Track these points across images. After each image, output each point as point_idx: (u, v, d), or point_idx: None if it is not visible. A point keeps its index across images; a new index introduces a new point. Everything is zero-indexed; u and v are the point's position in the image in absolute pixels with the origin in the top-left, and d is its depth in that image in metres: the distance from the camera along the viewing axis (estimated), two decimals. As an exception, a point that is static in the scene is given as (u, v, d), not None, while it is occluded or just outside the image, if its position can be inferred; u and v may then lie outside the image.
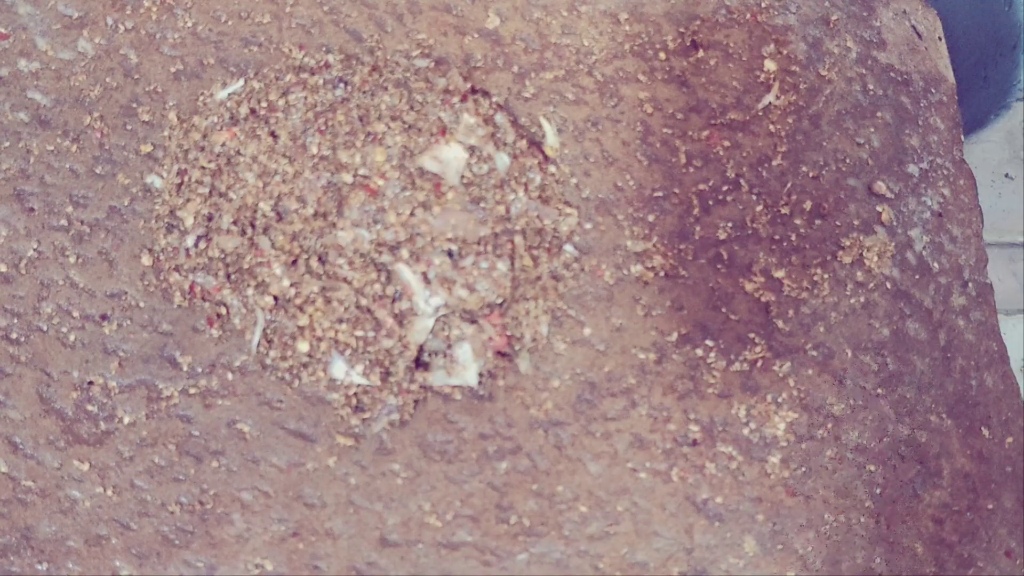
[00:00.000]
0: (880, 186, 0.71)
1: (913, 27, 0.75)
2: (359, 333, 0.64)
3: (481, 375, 0.65)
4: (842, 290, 0.68)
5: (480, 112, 0.67)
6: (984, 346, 0.71)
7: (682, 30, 0.71)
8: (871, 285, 0.69)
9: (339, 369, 0.64)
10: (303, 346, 0.64)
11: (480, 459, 0.65)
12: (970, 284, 0.71)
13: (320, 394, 0.65)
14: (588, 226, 0.67)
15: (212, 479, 0.64)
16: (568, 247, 0.67)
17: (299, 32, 0.69)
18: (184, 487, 0.64)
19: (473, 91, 0.68)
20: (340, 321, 0.64)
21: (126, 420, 0.64)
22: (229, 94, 0.67)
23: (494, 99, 0.68)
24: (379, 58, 0.68)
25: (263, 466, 0.64)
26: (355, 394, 0.64)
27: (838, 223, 0.69)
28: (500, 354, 0.65)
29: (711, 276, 0.67)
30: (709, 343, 0.67)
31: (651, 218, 0.68)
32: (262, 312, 0.64)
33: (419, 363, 0.65)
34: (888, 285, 0.69)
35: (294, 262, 0.64)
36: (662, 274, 0.67)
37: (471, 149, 0.66)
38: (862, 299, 0.69)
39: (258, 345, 0.65)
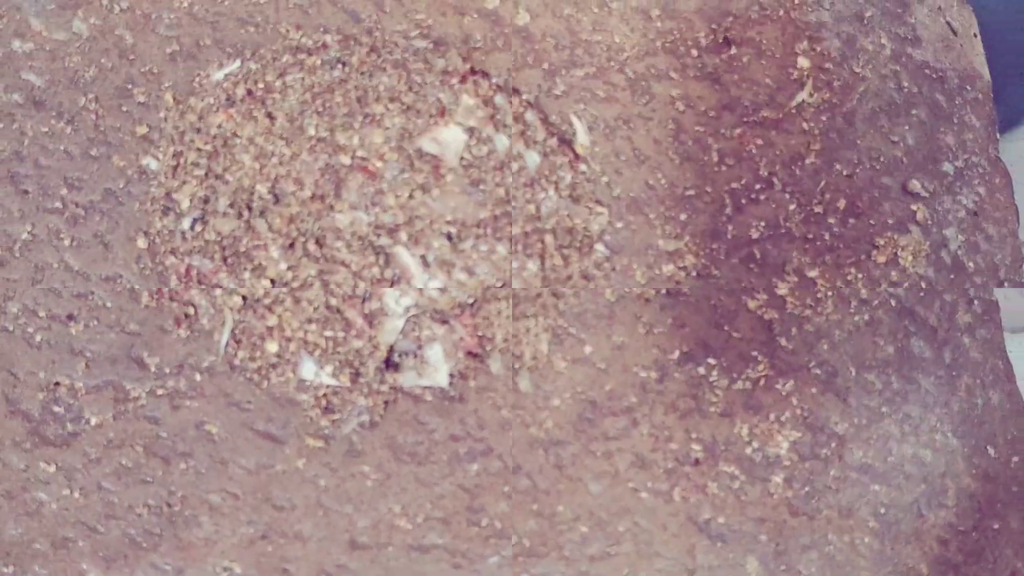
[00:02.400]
0: (915, 184, 0.70)
1: (948, 23, 0.75)
2: (328, 333, 0.63)
3: (452, 376, 0.64)
4: (846, 308, 0.67)
5: (479, 93, 0.66)
6: (990, 364, 0.70)
7: (714, 26, 0.70)
8: (875, 303, 0.68)
9: (308, 370, 0.63)
10: (272, 347, 0.63)
11: (451, 461, 0.64)
12: (975, 302, 0.70)
13: (289, 395, 0.64)
14: (619, 225, 0.67)
15: (180, 481, 0.63)
16: (599, 246, 0.66)
17: (296, 12, 0.68)
18: (152, 489, 0.63)
19: (472, 72, 0.67)
20: (309, 321, 0.63)
21: (93, 421, 0.63)
22: (226, 75, 0.67)
23: (494, 80, 0.67)
24: (377, 39, 0.68)
25: (231, 468, 0.63)
26: (325, 395, 0.64)
27: (872, 222, 0.69)
28: (471, 355, 0.64)
29: (743, 276, 0.67)
30: (711, 361, 0.66)
31: (683, 217, 0.67)
32: (231, 312, 0.64)
33: (389, 364, 0.64)
34: (892, 303, 0.68)
35: (291, 245, 0.64)
36: (694, 274, 0.66)
37: (470, 131, 0.65)
38: (866, 317, 0.68)
39: (226, 346, 0.64)
